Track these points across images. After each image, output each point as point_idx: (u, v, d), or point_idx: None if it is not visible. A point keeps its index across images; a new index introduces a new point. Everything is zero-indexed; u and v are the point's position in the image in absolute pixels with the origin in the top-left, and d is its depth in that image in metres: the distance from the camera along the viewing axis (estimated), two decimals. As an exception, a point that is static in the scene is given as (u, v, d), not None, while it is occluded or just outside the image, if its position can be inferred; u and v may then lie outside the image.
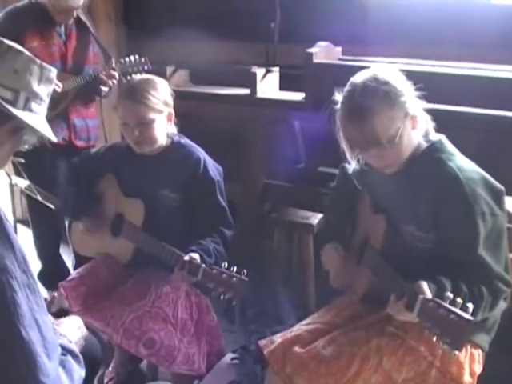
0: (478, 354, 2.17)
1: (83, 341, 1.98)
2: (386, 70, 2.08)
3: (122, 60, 3.45)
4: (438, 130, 2.17)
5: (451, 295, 1.77)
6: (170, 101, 2.72)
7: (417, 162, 2.11)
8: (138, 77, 2.86)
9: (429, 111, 2.14)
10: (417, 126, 2.07)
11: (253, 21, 3.75)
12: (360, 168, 2.27)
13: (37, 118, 1.75)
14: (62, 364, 1.70)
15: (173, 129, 2.81)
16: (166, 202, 2.76)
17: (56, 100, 3.11)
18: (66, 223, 3.42)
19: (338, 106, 2.10)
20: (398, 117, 2.01)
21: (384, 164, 2.12)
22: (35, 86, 1.73)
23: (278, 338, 2.27)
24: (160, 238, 2.64)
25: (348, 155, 2.15)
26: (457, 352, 1.75)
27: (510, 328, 2.33)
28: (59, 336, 1.85)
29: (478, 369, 2.17)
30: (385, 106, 1.99)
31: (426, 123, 2.12)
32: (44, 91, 1.76)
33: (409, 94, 2.04)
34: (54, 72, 1.78)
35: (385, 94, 2.00)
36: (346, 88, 2.09)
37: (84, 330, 2.03)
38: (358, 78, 2.07)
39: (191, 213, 2.74)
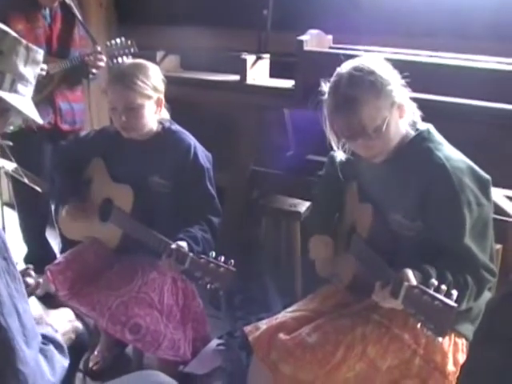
0: (462, 344, 2.18)
1: (73, 335, 1.95)
2: (372, 59, 2.08)
3: (109, 43, 3.43)
4: (427, 119, 2.17)
5: (436, 282, 1.79)
6: (161, 86, 2.70)
7: (404, 151, 2.12)
8: (128, 61, 2.85)
9: (418, 100, 2.14)
10: (404, 115, 2.08)
11: (245, 8, 3.73)
12: (346, 158, 2.27)
13: (23, 99, 1.74)
14: (44, 353, 1.67)
15: (165, 114, 2.81)
16: (155, 189, 2.75)
17: (42, 83, 3.10)
18: (53, 207, 3.42)
19: (325, 97, 2.10)
20: (384, 106, 2.02)
21: (371, 153, 2.13)
22: (21, 68, 1.71)
23: (263, 325, 2.28)
24: (149, 224, 2.63)
25: (334, 146, 2.16)
26: (440, 339, 1.77)
27: (494, 317, 2.34)
28: (44, 325, 1.84)
29: (462, 358, 2.17)
30: (371, 96, 2.00)
31: (412, 112, 2.12)
32: (30, 73, 1.75)
33: (395, 83, 2.05)
34: (40, 53, 1.77)
35: (371, 83, 2.00)
36: (332, 78, 2.09)
37: (75, 324, 2.00)
38: (344, 68, 2.07)
39: (180, 199, 2.73)
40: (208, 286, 2.30)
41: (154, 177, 2.75)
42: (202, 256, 2.34)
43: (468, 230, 2.01)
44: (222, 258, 2.29)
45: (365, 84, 2.00)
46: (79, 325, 2.01)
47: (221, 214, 2.77)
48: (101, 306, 2.57)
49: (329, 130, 2.12)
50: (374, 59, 2.08)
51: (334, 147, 2.17)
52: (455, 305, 1.73)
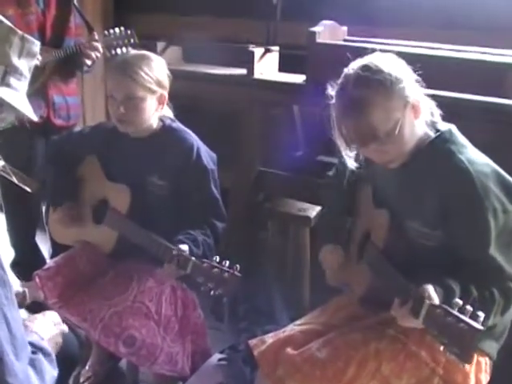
0: (485, 363, 2.15)
1: (60, 338, 1.95)
2: (381, 56, 2.05)
3: (107, 32, 3.40)
4: (445, 118, 2.14)
5: (460, 302, 1.76)
6: (165, 82, 2.68)
7: (423, 154, 2.09)
8: (133, 51, 2.83)
9: (435, 98, 2.11)
10: (419, 115, 2.04)
11: (253, -5, 3.74)
12: (359, 163, 2.25)
13: (16, 94, 1.72)
14: (33, 363, 1.67)
15: (168, 112, 2.79)
16: (153, 190, 2.73)
17: (34, 75, 3.07)
18: (44, 208, 3.39)
19: (332, 101, 2.08)
20: (396, 107, 1.98)
21: (386, 159, 2.10)
22: (15, 60, 1.69)
23: (270, 338, 2.27)
24: (146, 227, 2.61)
25: (343, 153, 2.13)
26: (467, 365, 1.74)
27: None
28: (30, 332, 1.82)
29: (485, 378, 2.15)
30: (381, 97, 1.97)
31: (430, 111, 2.09)
32: (25, 66, 1.73)
33: (408, 81, 2.01)
34: (36, 45, 1.75)
35: (380, 83, 1.97)
36: (339, 80, 2.07)
37: (61, 327, 1.99)
38: (351, 68, 2.04)
39: (181, 202, 2.71)
40: (211, 292, 2.29)
41: (153, 177, 2.72)
42: (205, 260, 2.33)
43: (493, 239, 1.98)
44: (227, 263, 2.27)
45: (373, 84, 1.97)
46: (65, 328, 2.01)
47: (225, 219, 2.75)
48: (93, 317, 2.54)
49: (337, 135, 2.08)
50: (384, 56, 2.05)
51: (344, 155, 2.14)
52: (482, 328, 1.70)
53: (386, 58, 2.04)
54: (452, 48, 3.15)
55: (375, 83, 1.97)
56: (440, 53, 3.10)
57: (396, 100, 1.98)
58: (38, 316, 1.97)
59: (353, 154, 2.13)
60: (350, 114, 2.00)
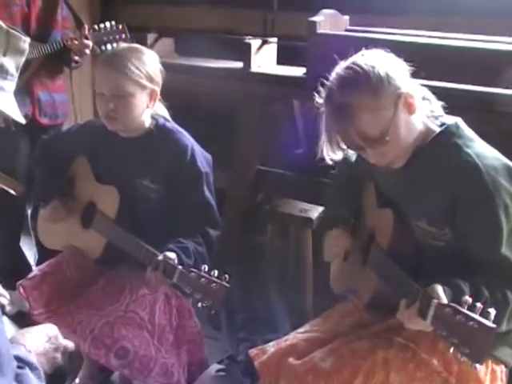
0: (501, 371, 2.14)
1: (56, 354, 1.90)
2: (366, 55, 2.04)
3: (96, 27, 3.39)
4: (450, 111, 2.14)
5: (470, 299, 1.74)
6: (157, 77, 2.66)
7: (428, 150, 2.07)
8: (123, 44, 2.82)
9: (438, 89, 2.10)
10: (414, 110, 2.02)
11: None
12: (359, 161, 2.24)
13: (1, 95, 1.69)
14: (18, 379, 1.64)
15: (163, 111, 2.78)
16: (144, 193, 2.72)
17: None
18: (29, 212, 3.38)
19: (322, 109, 2.07)
20: (385, 106, 1.97)
21: (386, 160, 2.09)
22: None
23: (271, 348, 2.27)
24: (135, 232, 2.60)
25: (335, 155, 2.13)
26: (478, 365, 1.72)
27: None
28: (16, 345, 1.80)
29: (501, 388, 2.15)
30: (367, 99, 1.95)
31: (429, 104, 2.08)
32: (11, 64, 1.70)
33: (397, 76, 1.99)
34: (24, 41, 1.72)
35: (364, 84, 1.96)
36: (327, 85, 2.05)
37: (60, 342, 1.95)
38: (336, 71, 2.04)
39: (173, 206, 2.69)
40: (199, 304, 2.27)
41: (143, 180, 2.71)
42: (193, 270, 2.31)
43: (505, 237, 1.96)
44: (216, 273, 2.25)
45: (357, 85, 1.96)
46: (68, 342, 1.94)
47: (220, 226, 2.73)
48: (82, 328, 2.53)
49: (330, 142, 2.08)
50: (369, 54, 2.04)
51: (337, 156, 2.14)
52: (494, 325, 1.69)
53: (371, 55, 2.03)
54: (459, 37, 3.14)
55: (359, 85, 1.96)
56: (445, 42, 3.09)
57: (384, 98, 1.97)
58: (34, 329, 1.93)
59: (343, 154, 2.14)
60: (339, 122, 2.00)
